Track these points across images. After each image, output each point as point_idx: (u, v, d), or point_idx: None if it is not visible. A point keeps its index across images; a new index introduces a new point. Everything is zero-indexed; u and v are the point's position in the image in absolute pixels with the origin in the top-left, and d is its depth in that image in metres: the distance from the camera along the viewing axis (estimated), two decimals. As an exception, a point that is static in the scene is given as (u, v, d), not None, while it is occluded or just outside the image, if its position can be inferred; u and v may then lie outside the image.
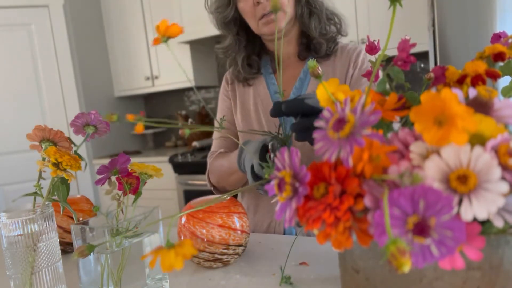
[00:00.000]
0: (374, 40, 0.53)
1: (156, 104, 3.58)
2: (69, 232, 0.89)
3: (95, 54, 3.19)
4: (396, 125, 0.44)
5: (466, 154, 0.31)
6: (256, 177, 0.73)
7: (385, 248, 0.28)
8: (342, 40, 1.07)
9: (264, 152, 0.72)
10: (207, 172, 1.11)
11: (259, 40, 1.07)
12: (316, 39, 1.00)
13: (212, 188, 1.10)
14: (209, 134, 3.16)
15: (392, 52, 0.51)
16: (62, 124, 2.94)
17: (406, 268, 0.27)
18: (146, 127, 3.43)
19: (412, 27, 2.13)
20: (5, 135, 2.81)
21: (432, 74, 0.47)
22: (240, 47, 1.05)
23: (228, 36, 1.06)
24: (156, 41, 0.44)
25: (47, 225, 0.61)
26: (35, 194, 0.61)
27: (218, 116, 1.16)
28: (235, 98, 1.11)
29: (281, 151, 0.39)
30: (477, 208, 0.30)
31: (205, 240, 0.71)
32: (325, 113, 0.38)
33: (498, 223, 0.31)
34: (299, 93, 1.01)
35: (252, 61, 1.06)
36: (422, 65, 2.47)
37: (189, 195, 2.68)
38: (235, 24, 1.04)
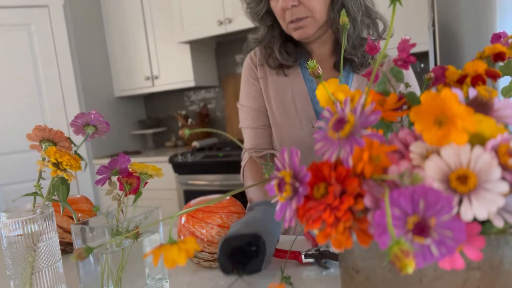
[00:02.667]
0: (374, 40, 0.53)
1: (156, 104, 3.58)
2: (69, 232, 0.89)
3: (95, 54, 3.19)
4: (396, 126, 0.44)
5: (466, 154, 0.31)
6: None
7: (388, 249, 0.28)
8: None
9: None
10: (242, 170, 1.06)
11: None
12: (347, 51, 0.94)
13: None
14: (209, 135, 3.16)
15: (392, 52, 0.51)
16: (62, 124, 2.94)
17: (410, 269, 0.27)
18: (146, 127, 3.43)
19: (412, 27, 2.13)
20: (5, 135, 2.81)
21: (432, 74, 0.47)
22: (275, 35, 1.00)
23: (261, 27, 1.02)
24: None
25: (47, 225, 0.61)
26: (35, 194, 0.61)
27: (245, 101, 1.07)
28: (266, 84, 1.05)
29: (281, 151, 0.39)
30: (477, 208, 0.30)
31: (204, 240, 0.71)
32: (325, 113, 0.38)
33: (498, 223, 0.31)
34: None
35: (288, 49, 1.01)
36: (422, 65, 2.47)
37: (189, 195, 2.68)
38: (268, 16, 0.99)
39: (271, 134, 1.06)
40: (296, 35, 0.94)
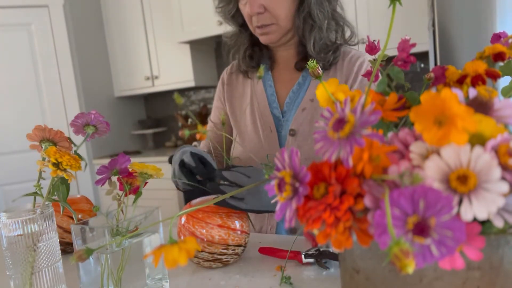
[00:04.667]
0: (374, 40, 0.53)
1: (156, 104, 3.58)
2: (69, 232, 0.89)
3: (95, 54, 3.19)
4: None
5: (466, 154, 0.31)
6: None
7: (388, 249, 0.28)
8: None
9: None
10: None
11: None
12: (312, 57, 0.94)
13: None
14: (209, 134, 3.15)
15: (392, 52, 0.51)
16: (62, 124, 2.94)
17: (410, 269, 0.27)
18: (146, 127, 3.43)
19: (412, 27, 2.13)
20: (5, 135, 2.81)
21: (432, 74, 0.46)
22: (245, 36, 1.03)
23: (232, 26, 1.04)
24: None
25: (47, 225, 0.61)
26: (35, 194, 0.61)
27: (212, 116, 1.16)
28: (232, 91, 1.09)
29: (280, 151, 0.39)
30: (477, 208, 0.30)
31: (204, 240, 0.71)
32: (325, 113, 0.38)
33: (498, 223, 0.31)
34: (296, 97, 0.98)
35: (254, 53, 1.04)
36: (422, 65, 2.47)
37: (189, 195, 2.68)
38: (239, 16, 1.01)
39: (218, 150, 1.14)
40: (262, 39, 0.96)
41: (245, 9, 0.94)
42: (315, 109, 0.95)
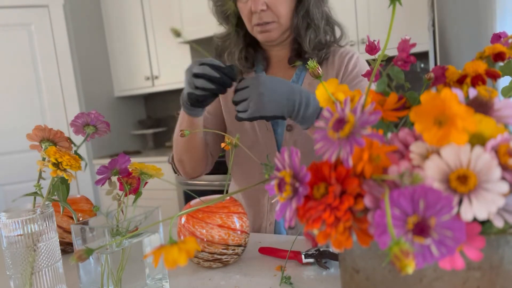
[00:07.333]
0: (374, 40, 0.53)
1: (156, 104, 3.58)
2: (69, 232, 0.89)
3: (95, 54, 3.18)
4: None
5: (466, 154, 0.31)
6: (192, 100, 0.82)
7: (388, 249, 0.28)
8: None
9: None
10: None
11: None
12: (308, 53, 0.97)
13: (173, 166, 1.14)
14: (209, 134, 3.15)
15: (392, 52, 0.51)
16: (62, 124, 2.94)
17: (410, 269, 0.27)
18: (146, 127, 3.43)
19: (412, 27, 2.13)
20: (5, 135, 2.80)
21: (432, 74, 0.46)
22: (239, 37, 1.03)
23: (226, 26, 1.05)
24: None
25: (47, 225, 0.61)
26: (35, 194, 0.61)
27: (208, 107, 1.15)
28: (225, 98, 1.09)
29: (281, 150, 0.39)
30: (477, 208, 0.30)
31: (204, 240, 0.71)
32: (325, 113, 0.38)
33: (498, 223, 0.31)
34: None
35: (248, 54, 1.05)
36: (422, 65, 2.47)
37: (189, 195, 2.68)
38: (234, 16, 1.01)
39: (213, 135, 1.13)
40: (261, 37, 0.97)
41: (246, 7, 0.95)
42: None
